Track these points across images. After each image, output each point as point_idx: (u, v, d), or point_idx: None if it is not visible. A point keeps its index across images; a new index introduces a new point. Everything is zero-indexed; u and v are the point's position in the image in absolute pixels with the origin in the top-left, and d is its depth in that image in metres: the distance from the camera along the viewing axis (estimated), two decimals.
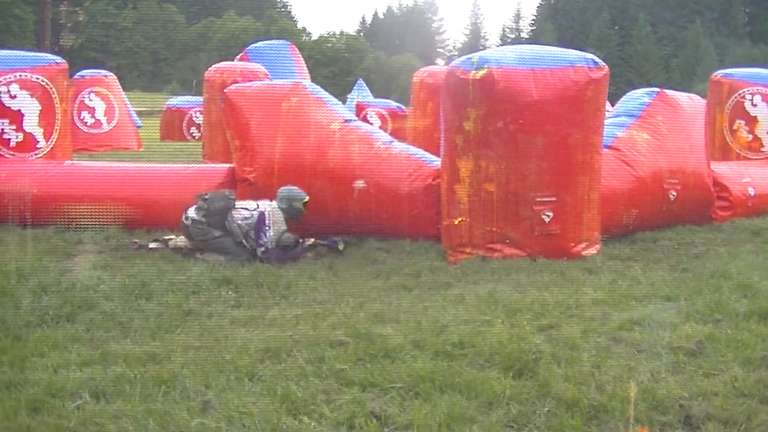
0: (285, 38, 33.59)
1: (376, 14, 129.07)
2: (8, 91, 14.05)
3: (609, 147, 11.89)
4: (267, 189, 11.64)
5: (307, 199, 11.27)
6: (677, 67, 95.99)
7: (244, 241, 10.89)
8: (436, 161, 11.72)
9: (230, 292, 8.95)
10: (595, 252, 10.90)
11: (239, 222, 10.86)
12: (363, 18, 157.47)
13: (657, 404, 5.79)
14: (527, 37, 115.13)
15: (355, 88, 39.81)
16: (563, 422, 5.46)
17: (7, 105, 14.05)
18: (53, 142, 14.59)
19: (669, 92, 13.54)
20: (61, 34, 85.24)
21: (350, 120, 12.47)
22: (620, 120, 12.77)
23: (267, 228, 10.82)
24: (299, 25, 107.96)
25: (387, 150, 11.93)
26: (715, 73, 18.17)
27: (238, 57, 24.04)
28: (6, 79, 14.01)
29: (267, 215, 10.88)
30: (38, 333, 7.39)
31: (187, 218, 10.90)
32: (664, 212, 12.59)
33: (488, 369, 6.46)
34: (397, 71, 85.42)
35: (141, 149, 27.54)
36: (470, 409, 5.64)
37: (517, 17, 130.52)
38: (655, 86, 14.03)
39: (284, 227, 11.01)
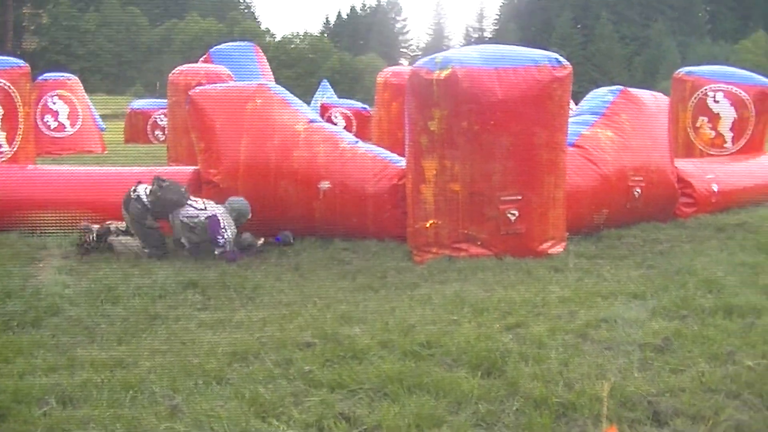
0: (248, 39, 33.53)
1: (339, 15, 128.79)
2: None
3: (573, 145, 11.92)
4: (232, 191, 11.61)
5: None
6: (640, 65, 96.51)
7: (182, 238, 10.91)
8: (402, 161, 11.72)
9: (197, 295, 8.90)
10: (561, 250, 10.93)
11: (183, 219, 10.85)
12: (327, 18, 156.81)
13: (625, 401, 5.80)
14: (490, 36, 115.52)
15: (319, 89, 39.83)
16: (532, 420, 5.47)
17: None
18: (16, 146, 14.49)
19: (632, 90, 13.59)
20: (23, 37, 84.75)
21: (315, 120, 12.45)
22: (584, 118, 12.80)
23: (223, 229, 10.83)
24: (263, 26, 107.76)
25: (352, 150, 11.93)
26: (677, 71, 18.25)
27: (201, 59, 23.94)
28: None
29: (220, 218, 10.88)
30: (3, 339, 7.33)
31: (135, 191, 10.90)
32: (628, 210, 12.63)
33: (456, 369, 6.46)
34: (361, 71, 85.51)
35: (105, 152, 27.40)
36: (439, 409, 5.64)
37: (480, 17, 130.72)
38: (619, 84, 14.08)
39: (235, 229, 11.07)
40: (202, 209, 10.96)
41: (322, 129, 12.27)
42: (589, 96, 13.74)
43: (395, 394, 5.92)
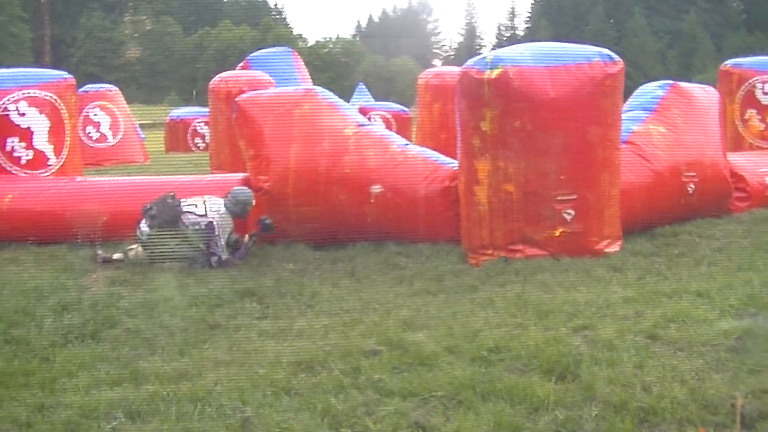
0: (282, 45, 33.55)
1: (371, 18, 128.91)
2: (17, 108, 13.92)
3: (625, 142, 11.75)
4: (282, 197, 11.56)
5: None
6: (674, 58, 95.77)
7: (200, 245, 10.88)
8: (452, 163, 11.61)
9: (254, 304, 8.83)
10: (617, 249, 10.78)
11: (189, 228, 10.89)
12: (358, 22, 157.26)
13: (707, 404, 5.67)
14: (523, 34, 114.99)
15: (356, 92, 39.75)
16: (614, 426, 5.36)
17: (17, 123, 13.90)
18: (63, 159, 14.45)
19: (682, 84, 13.44)
20: (59, 50, 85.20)
21: (364, 124, 12.35)
22: (635, 114, 12.63)
23: (218, 237, 10.86)
24: (295, 32, 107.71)
25: (402, 153, 11.81)
26: (724, 63, 18.04)
27: (239, 66, 23.87)
28: (14, 96, 13.88)
29: (216, 225, 10.90)
30: (64, 353, 7.29)
31: (141, 233, 10.94)
32: (682, 205, 12.46)
33: (528, 374, 6.35)
34: (395, 74, 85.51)
35: (147, 162, 27.42)
36: (517, 416, 5.53)
37: (512, 15, 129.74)
38: (656, 79, 13.87)
39: (230, 228, 11.14)
40: (202, 215, 10.99)
41: (371, 133, 12.16)
42: (638, 92, 13.54)
43: (469, 402, 5.82)
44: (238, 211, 11.23)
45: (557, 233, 10.37)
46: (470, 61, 10.84)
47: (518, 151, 10.25)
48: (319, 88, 12.66)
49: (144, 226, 10.89)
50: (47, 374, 6.70)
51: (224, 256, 10.88)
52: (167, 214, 10.81)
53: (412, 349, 6.92)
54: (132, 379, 6.54)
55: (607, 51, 10.78)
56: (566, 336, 7.20)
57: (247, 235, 11.37)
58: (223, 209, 11.08)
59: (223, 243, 10.93)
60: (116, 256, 11.17)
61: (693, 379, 6.12)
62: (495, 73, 10.18)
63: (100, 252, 11.26)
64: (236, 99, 12.66)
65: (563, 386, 6.08)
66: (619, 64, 10.67)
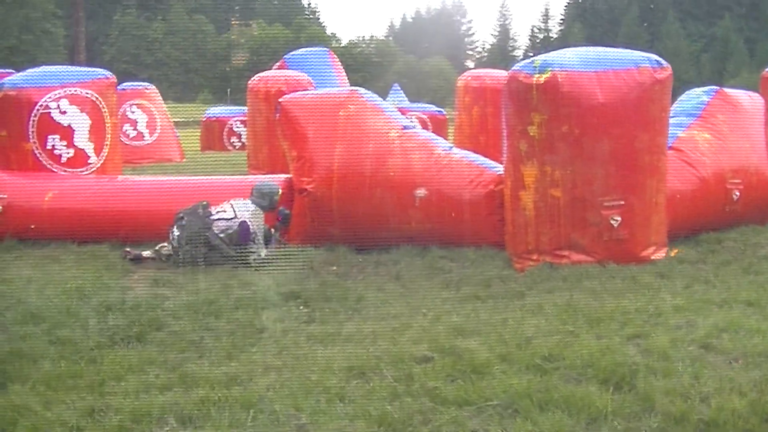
0: (315, 44, 33.46)
1: (404, 18, 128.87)
2: (58, 106, 13.94)
3: (671, 148, 11.63)
4: (326, 199, 11.53)
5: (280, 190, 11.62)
6: (707, 63, 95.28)
7: (229, 250, 10.86)
8: (497, 167, 11.54)
9: (300, 307, 8.78)
10: (663, 255, 10.70)
11: (221, 236, 10.88)
12: (391, 22, 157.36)
13: None
14: (556, 36, 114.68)
15: (391, 92, 39.63)
16: None
17: (58, 121, 13.94)
18: (104, 157, 14.47)
19: (728, 90, 13.35)
20: (93, 48, 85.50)
21: (408, 127, 12.29)
22: (680, 120, 12.53)
23: (254, 234, 10.95)
24: (328, 31, 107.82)
25: (447, 157, 11.75)
26: (766, 70, 17.88)
27: (276, 65, 23.83)
28: (56, 94, 13.91)
29: (250, 224, 10.96)
30: (111, 355, 7.23)
31: (173, 238, 10.95)
32: (726, 213, 12.36)
33: (584, 383, 6.27)
34: (428, 75, 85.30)
35: (183, 161, 27.41)
36: (576, 427, 5.45)
37: (546, 17, 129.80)
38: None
39: (263, 223, 11.23)
40: (232, 218, 11.02)
41: (416, 135, 12.11)
42: (683, 97, 13.43)
43: (526, 411, 5.76)
44: (267, 204, 11.33)
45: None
46: (518, 65, 10.78)
47: (565, 157, 10.17)
48: (363, 90, 12.62)
49: (176, 232, 10.90)
50: (95, 377, 6.66)
51: (263, 253, 10.94)
52: (195, 226, 10.82)
53: (465, 357, 6.85)
54: (181, 383, 6.49)
55: (655, 56, 10.70)
56: (620, 345, 7.14)
57: (271, 229, 11.44)
58: (252, 206, 11.15)
59: (261, 239, 11.00)
60: (146, 253, 11.22)
61: (752, 391, 6.03)
62: (543, 77, 10.12)
63: (128, 249, 11.31)
64: (279, 100, 12.64)
65: (620, 396, 6.01)
66: (668, 69, 10.60)
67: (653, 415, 5.67)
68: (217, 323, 8.17)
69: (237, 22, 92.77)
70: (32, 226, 12.14)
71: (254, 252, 10.86)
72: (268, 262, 10.70)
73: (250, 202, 11.19)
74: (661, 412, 5.68)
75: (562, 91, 10.07)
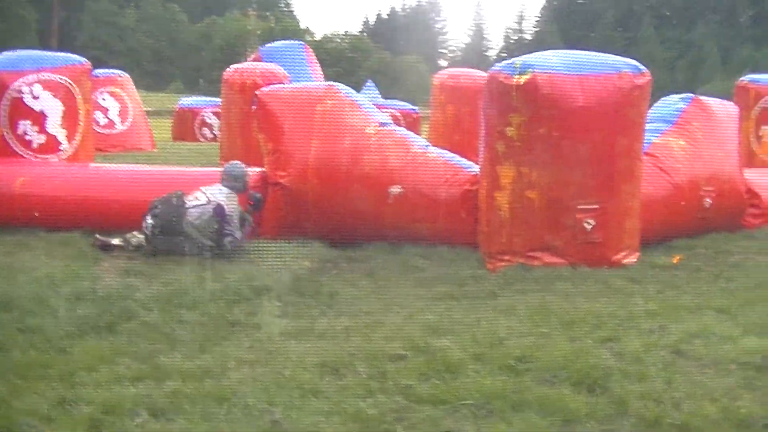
0: (289, 38, 33.32)
1: (379, 15, 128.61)
2: (31, 91, 13.86)
3: (645, 153, 11.64)
4: (300, 193, 11.51)
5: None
6: (681, 69, 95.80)
7: (203, 240, 10.82)
8: (473, 167, 11.54)
9: (273, 301, 8.72)
10: (635, 260, 10.72)
11: (195, 223, 10.81)
12: (366, 18, 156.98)
13: (740, 423, 5.61)
14: (530, 38, 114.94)
15: (364, 89, 39.54)
16: None
17: (30, 106, 13.86)
18: (76, 144, 14.38)
19: (703, 98, 13.39)
20: (64, 34, 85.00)
21: (385, 123, 12.26)
22: (655, 126, 12.52)
23: (229, 216, 10.89)
24: (302, 25, 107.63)
25: (423, 155, 11.74)
26: (741, 79, 17.98)
27: (251, 57, 23.78)
28: (29, 79, 13.83)
29: (225, 207, 10.89)
30: (82, 345, 7.17)
31: (147, 227, 10.87)
32: (698, 219, 12.40)
33: (558, 385, 6.28)
34: (401, 72, 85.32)
35: (155, 150, 27.26)
36: (551, 429, 5.46)
37: (521, 18, 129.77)
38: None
39: (238, 206, 11.19)
40: (205, 203, 10.96)
41: (393, 132, 12.09)
42: (659, 103, 13.44)
43: (500, 412, 5.76)
44: (239, 186, 11.29)
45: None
46: (499, 65, 10.78)
47: (543, 159, 10.18)
48: (341, 85, 12.58)
49: (149, 220, 10.82)
50: (65, 367, 6.60)
51: (238, 234, 10.94)
52: (169, 216, 10.77)
53: (438, 355, 6.83)
54: (153, 375, 6.43)
55: (635, 62, 10.72)
56: (593, 348, 7.14)
57: (245, 213, 11.39)
58: (225, 190, 11.09)
59: (236, 222, 10.97)
60: (115, 241, 11.14)
61: (724, 398, 6.04)
62: (524, 78, 10.11)
63: (98, 236, 11.23)
64: (257, 92, 12.59)
65: (594, 399, 6.01)
66: (647, 75, 10.63)
67: (627, 418, 5.68)
68: (189, 315, 8.11)
69: (254, 12, 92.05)
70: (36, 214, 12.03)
71: (229, 234, 10.82)
72: (241, 251, 10.70)
73: (222, 186, 11.15)
74: (634, 415, 5.70)
75: (542, 93, 10.07)
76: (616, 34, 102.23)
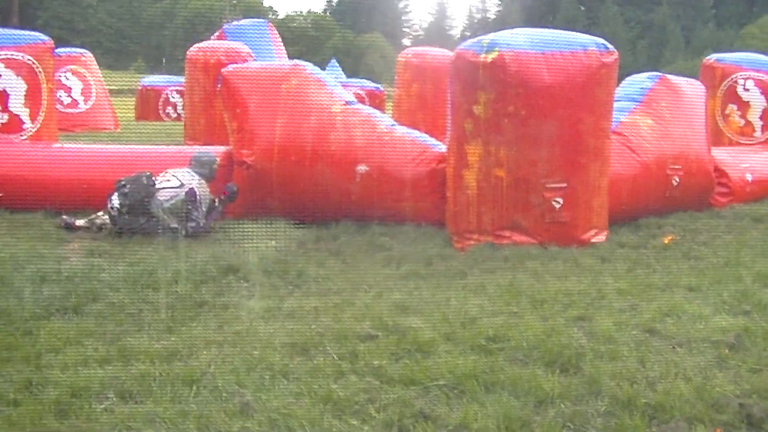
0: (252, 16, 33.12)
1: None
2: None
3: (613, 132, 11.63)
4: (266, 172, 11.43)
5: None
6: (644, 49, 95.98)
7: (172, 223, 10.79)
8: (440, 145, 11.49)
9: (240, 282, 8.64)
10: (604, 239, 10.71)
11: (165, 205, 10.79)
12: None
13: (714, 402, 5.57)
14: (494, 17, 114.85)
15: (327, 67, 39.40)
16: (623, 423, 5.23)
17: None
18: (39, 123, 14.20)
19: (671, 77, 13.40)
20: (27, 11, 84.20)
21: (351, 102, 12.18)
22: (623, 105, 12.51)
23: (198, 204, 10.88)
24: (265, 3, 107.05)
25: (390, 133, 11.69)
26: (707, 58, 17.95)
27: (215, 36, 23.59)
28: None
29: (197, 192, 10.88)
30: (48, 326, 7.04)
31: (112, 207, 10.75)
32: (666, 198, 12.42)
33: (530, 365, 6.23)
34: (365, 51, 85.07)
35: (118, 130, 27.05)
36: (524, 409, 5.40)
37: None
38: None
39: (208, 194, 11.20)
40: (179, 186, 10.94)
41: (359, 111, 12.03)
42: (626, 82, 13.43)
43: (472, 392, 5.69)
44: (207, 173, 11.30)
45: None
46: (466, 44, 10.75)
47: (510, 137, 10.14)
48: (306, 64, 12.50)
49: (115, 200, 10.67)
50: (31, 349, 6.47)
51: (202, 222, 10.90)
52: (138, 194, 10.65)
53: (409, 335, 6.77)
54: (121, 357, 6.32)
55: (602, 40, 10.68)
56: (565, 327, 7.10)
57: (216, 200, 11.33)
58: (197, 176, 11.05)
59: (204, 209, 10.95)
60: (79, 222, 11.03)
61: (697, 377, 6.02)
62: (491, 56, 10.07)
63: (64, 217, 11.13)
64: (222, 70, 12.48)
65: (567, 379, 5.97)
66: (614, 53, 10.60)
67: (600, 398, 5.62)
68: (156, 296, 7.99)
69: None
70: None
71: (194, 221, 10.74)
72: (206, 234, 10.63)
73: (191, 171, 11.05)
74: (608, 395, 5.64)
75: (509, 71, 10.02)
76: (579, 13, 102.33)
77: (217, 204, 11.23)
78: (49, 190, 11.68)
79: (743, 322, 7.34)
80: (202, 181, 11.11)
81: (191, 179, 10.96)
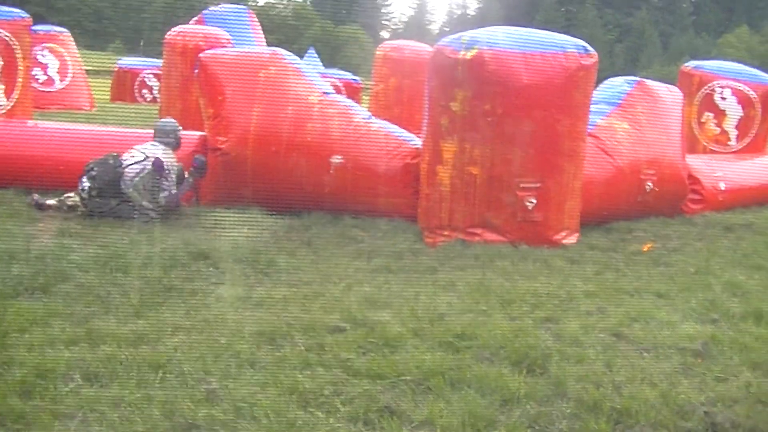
0: (232, 2, 32.98)
1: None
2: None
3: (588, 134, 11.65)
4: (240, 160, 11.40)
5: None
6: (621, 53, 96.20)
7: (144, 201, 10.79)
8: (415, 140, 11.49)
9: (209, 268, 8.61)
10: (575, 241, 10.74)
11: (134, 181, 10.79)
12: None
13: (679, 409, 5.59)
14: (473, 14, 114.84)
15: (305, 57, 39.25)
16: (588, 426, 5.25)
17: None
18: (14, 100, 14.11)
19: (648, 82, 13.44)
20: None
21: (328, 93, 12.16)
22: (599, 107, 12.52)
23: (167, 172, 10.85)
24: None
25: (366, 126, 11.69)
26: (685, 65, 18.01)
27: (194, 20, 23.47)
28: None
29: (164, 161, 10.87)
30: (15, 305, 6.99)
31: (83, 190, 10.70)
32: (638, 203, 12.46)
33: (497, 363, 6.24)
34: (343, 42, 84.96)
35: (94, 110, 26.88)
36: (490, 408, 5.41)
37: None
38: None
39: (176, 162, 11.18)
40: (144, 159, 10.91)
41: (336, 102, 12.02)
42: (604, 85, 13.45)
43: (438, 389, 5.70)
44: (171, 141, 11.27)
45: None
46: (445, 40, 10.72)
47: (486, 135, 10.15)
48: (285, 52, 12.44)
49: (85, 182, 10.62)
50: None
51: (174, 190, 10.91)
52: (107, 176, 10.62)
53: (377, 329, 6.78)
54: (87, 339, 6.30)
55: (582, 42, 10.69)
56: (532, 327, 7.12)
57: (186, 173, 11.30)
58: (161, 146, 11.05)
59: (173, 178, 10.94)
60: (50, 202, 10.97)
61: (663, 383, 6.04)
62: (470, 54, 10.08)
63: (35, 196, 11.05)
64: (200, 55, 12.41)
65: (533, 380, 5.98)
66: (594, 56, 10.62)
67: (566, 400, 5.63)
68: (125, 279, 7.96)
69: None
70: None
71: (166, 190, 10.72)
72: (177, 213, 10.65)
73: (156, 143, 11.04)
74: (573, 398, 5.66)
75: (488, 70, 10.03)
76: (558, 14, 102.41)
77: (187, 176, 11.18)
78: (21, 167, 11.56)
79: (710, 330, 7.37)
80: (168, 150, 11.08)
81: (155, 149, 10.93)
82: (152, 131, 11.38)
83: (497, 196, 10.24)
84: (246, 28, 22.43)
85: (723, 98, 16.90)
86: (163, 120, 11.72)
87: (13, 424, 4.95)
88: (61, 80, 26.39)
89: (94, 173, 10.56)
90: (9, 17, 14.35)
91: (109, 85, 32.24)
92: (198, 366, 5.84)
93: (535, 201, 10.25)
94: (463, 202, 10.32)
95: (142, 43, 44.51)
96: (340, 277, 8.48)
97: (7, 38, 13.92)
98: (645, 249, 10.80)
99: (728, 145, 16.96)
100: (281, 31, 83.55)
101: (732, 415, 5.55)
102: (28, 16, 14.77)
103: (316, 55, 36.31)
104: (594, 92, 12.04)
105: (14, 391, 5.32)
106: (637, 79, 13.42)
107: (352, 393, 5.54)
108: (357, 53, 67.51)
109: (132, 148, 10.97)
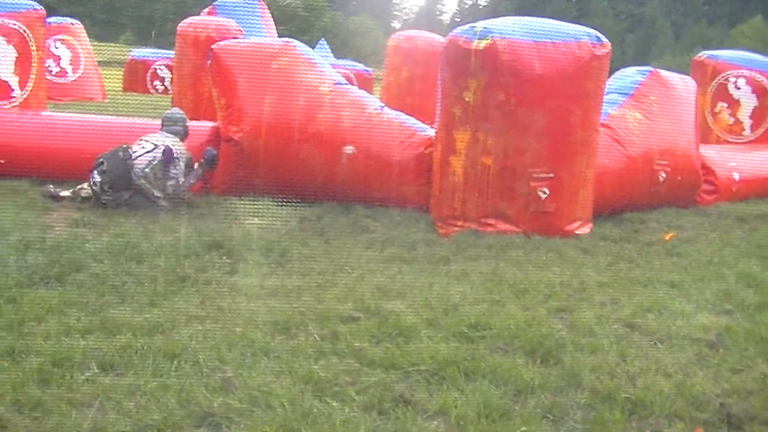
0: None
1: None
2: None
3: (601, 125, 11.63)
4: (253, 150, 11.41)
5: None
6: (632, 43, 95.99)
7: (155, 191, 10.80)
8: (428, 130, 11.49)
9: (223, 258, 8.62)
10: (588, 231, 10.73)
11: (145, 171, 10.77)
12: None
13: (694, 400, 5.58)
14: (485, 4, 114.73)
15: (316, 47, 39.25)
16: (603, 417, 5.24)
17: None
18: (28, 91, 14.14)
19: (662, 72, 13.38)
20: None
21: (340, 83, 12.16)
22: (612, 97, 12.48)
23: (176, 159, 10.86)
24: None
25: (378, 116, 11.69)
26: (699, 54, 17.93)
27: (205, 11, 23.46)
28: None
29: (173, 149, 10.86)
30: (31, 294, 7.01)
31: (95, 183, 10.68)
32: (651, 193, 12.44)
33: (511, 354, 6.24)
34: (354, 32, 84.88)
35: (106, 101, 26.91)
36: (504, 398, 5.41)
37: None
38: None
39: (185, 151, 11.18)
40: (153, 148, 10.91)
41: (348, 92, 12.01)
42: (617, 75, 13.41)
43: (453, 379, 5.70)
44: (179, 130, 11.31)
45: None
46: (458, 30, 10.70)
47: (499, 125, 10.13)
48: (297, 42, 12.46)
49: (96, 176, 10.64)
50: (14, 316, 6.46)
51: (182, 180, 10.92)
52: (117, 170, 10.61)
53: (391, 319, 6.79)
54: (103, 328, 6.32)
55: (595, 32, 10.67)
56: (546, 318, 7.13)
57: (196, 164, 11.31)
58: (170, 135, 11.08)
59: (182, 166, 10.94)
60: (64, 193, 10.99)
61: (677, 374, 6.04)
62: (483, 44, 10.06)
63: (51, 186, 11.07)
64: (212, 46, 12.42)
65: (547, 370, 5.98)
66: (607, 46, 10.60)
67: (580, 391, 5.63)
68: (139, 269, 7.98)
69: None
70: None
71: (173, 178, 10.76)
72: (184, 195, 10.80)
73: (165, 132, 11.10)
74: (588, 388, 5.65)
75: (501, 60, 10.02)
76: (569, 4, 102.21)
77: (196, 167, 11.20)
78: (36, 158, 11.57)
79: (725, 322, 7.38)
80: (176, 139, 11.10)
81: (164, 139, 10.94)
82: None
83: (510, 187, 10.23)
84: (257, 19, 22.41)
85: (737, 88, 16.85)
86: (168, 110, 11.72)
87: (31, 412, 4.97)
88: (74, 71, 26.44)
89: (104, 167, 10.56)
90: (23, 9, 14.37)
91: (121, 75, 32.28)
92: (213, 355, 5.86)
93: (547, 191, 10.24)
94: (475, 193, 10.31)
95: (153, 34, 44.50)
96: (353, 267, 8.49)
97: (21, 30, 13.93)
98: (666, 238, 10.78)
99: (742, 135, 16.91)
100: (292, 22, 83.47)
101: (747, 406, 5.54)
102: (41, 8, 14.78)
103: (326, 46, 36.33)
104: (607, 82, 12.06)
105: (31, 380, 5.33)
106: (650, 68, 13.36)
107: (366, 382, 5.55)
108: (368, 43, 67.48)
109: (141, 138, 10.97)
